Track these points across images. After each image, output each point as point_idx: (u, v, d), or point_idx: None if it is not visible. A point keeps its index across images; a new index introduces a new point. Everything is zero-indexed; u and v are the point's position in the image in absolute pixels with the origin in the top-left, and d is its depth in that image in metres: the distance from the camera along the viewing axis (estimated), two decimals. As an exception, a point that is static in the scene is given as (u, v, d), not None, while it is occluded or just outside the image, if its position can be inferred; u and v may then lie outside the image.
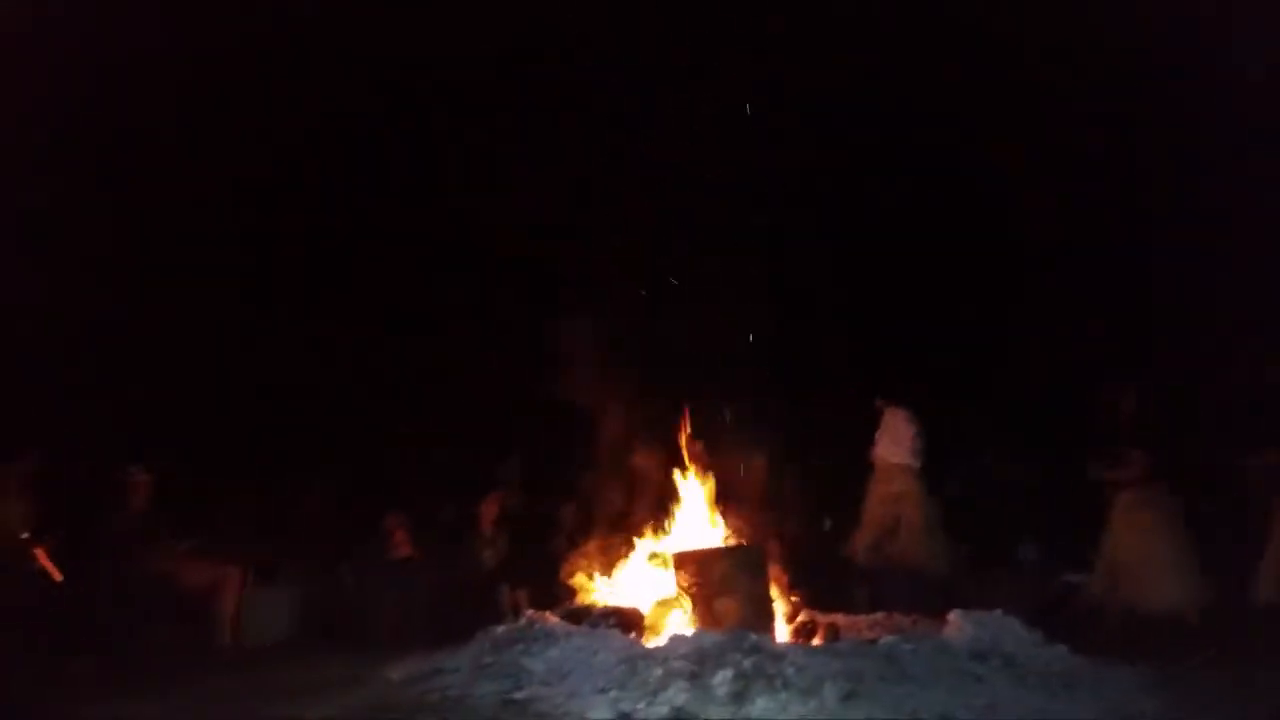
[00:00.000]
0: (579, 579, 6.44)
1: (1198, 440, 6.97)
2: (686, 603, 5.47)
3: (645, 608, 5.64)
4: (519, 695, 4.40)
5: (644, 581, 6.03)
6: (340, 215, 11.07)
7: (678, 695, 4.03)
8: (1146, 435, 6.62)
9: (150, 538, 7.25)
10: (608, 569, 6.36)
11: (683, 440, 7.41)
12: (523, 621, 5.38)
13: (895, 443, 7.37)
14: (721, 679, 4.11)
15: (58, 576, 6.63)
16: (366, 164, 10.99)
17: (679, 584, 5.56)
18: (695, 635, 4.68)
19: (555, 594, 6.69)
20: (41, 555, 6.68)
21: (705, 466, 6.98)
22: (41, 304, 8.61)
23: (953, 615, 5.28)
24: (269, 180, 10.37)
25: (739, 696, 4.01)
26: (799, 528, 7.80)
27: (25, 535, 6.68)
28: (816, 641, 5.36)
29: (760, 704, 3.95)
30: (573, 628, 5.12)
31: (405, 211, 11.12)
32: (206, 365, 10.08)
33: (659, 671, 4.24)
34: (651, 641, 5.03)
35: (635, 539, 6.38)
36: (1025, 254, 10.43)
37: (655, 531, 6.38)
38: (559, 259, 10.62)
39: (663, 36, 9.91)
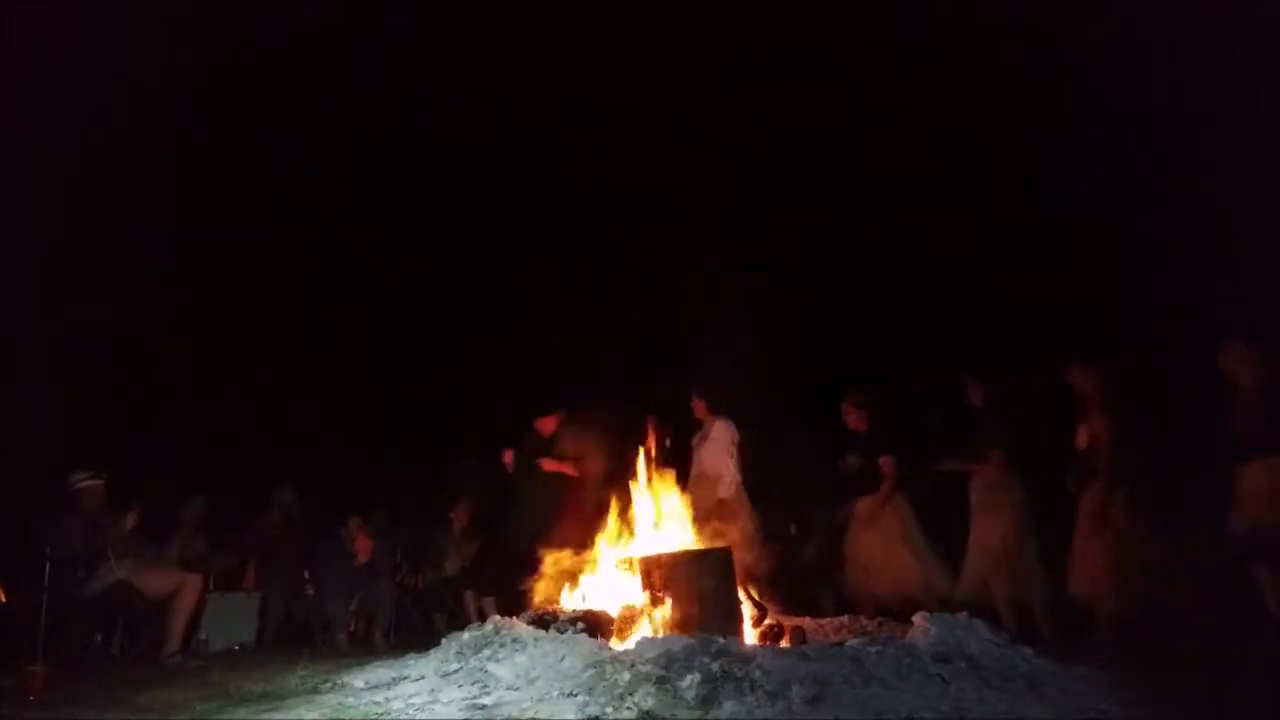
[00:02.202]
0: (545, 584, 6.40)
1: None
2: (654, 606, 5.46)
3: (612, 612, 5.61)
4: (485, 701, 4.36)
5: (611, 586, 6.00)
6: (300, 226, 11.03)
7: (646, 698, 4.01)
8: (888, 444, 7.45)
9: (106, 544, 7.12)
10: (574, 574, 6.33)
11: (649, 443, 7.40)
12: (489, 626, 5.34)
13: (730, 455, 7.57)
14: (689, 682, 4.11)
15: (3, 598, 6.49)
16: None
17: (646, 588, 5.55)
18: (663, 639, 4.66)
19: (521, 599, 6.65)
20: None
21: (672, 469, 6.98)
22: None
23: (917, 618, 5.31)
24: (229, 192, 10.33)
25: (707, 699, 4.01)
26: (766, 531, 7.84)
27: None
28: (783, 644, 5.36)
29: (728, 706, 3.94)
30: (540, 632, 5.08)
31: (371, 219, 11.11)
32: (162, 371, 9.97)
33: (627, 675, 4.22)
34: (619, 645, 5.00)
35: (602, 543, 6.35)
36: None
37: (622, 535, 6.36)
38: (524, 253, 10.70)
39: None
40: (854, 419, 7.57)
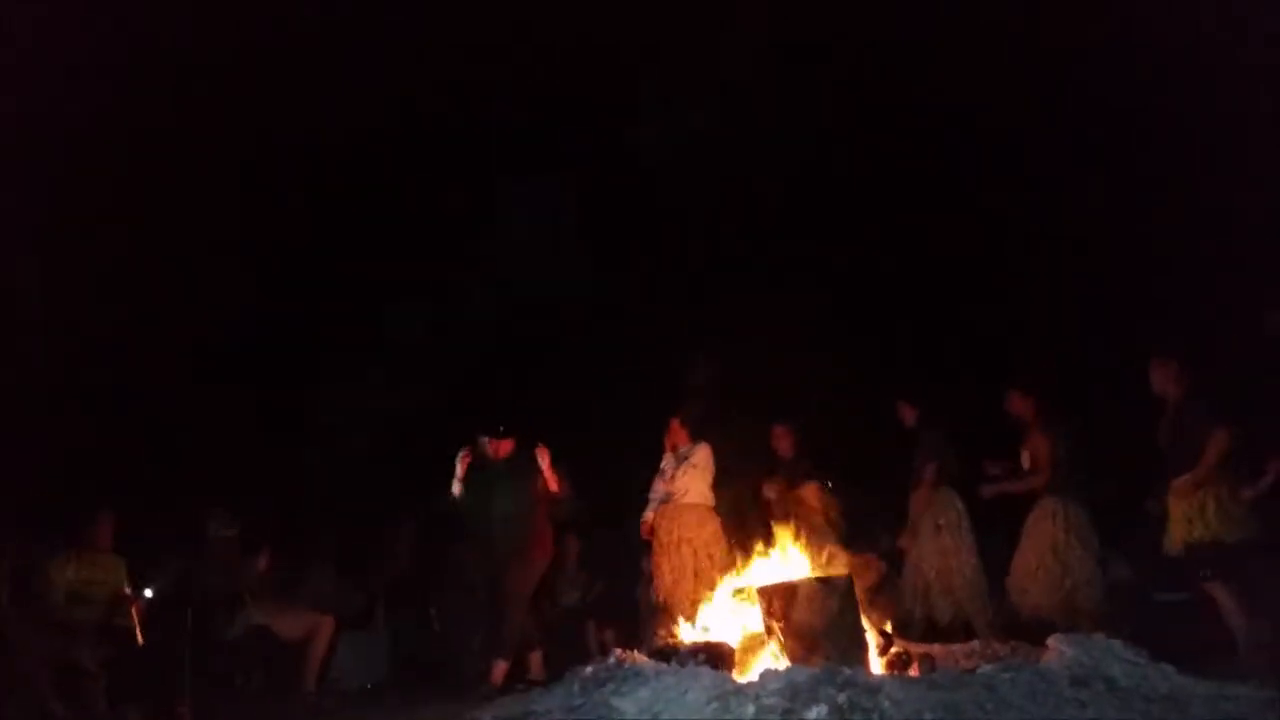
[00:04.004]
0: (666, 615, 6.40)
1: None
2: (776, 637, 5.40)
3: (734, 643, 5.57)
4: (611, 736, 4.38)
5: (731, 616, 5.96)
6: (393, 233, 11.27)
7: (772, 732, 3.97)
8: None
9: (243, 589, 7.41)
10: (694, 605, 6.31)
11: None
12: (611, 661, 5.36)
13: (705, 483, 7.27)
14: (816, 714, 4.04)
15: (140, 640, 6.78)
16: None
17: (766, 618, 5.49)
18: (787, 670, 4.60)
19: (642, 631, 6.65)
20: (136, 612, 6.86)
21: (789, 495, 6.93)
22: (118, 360, 8.91)
23: (1051, 640, 5.14)
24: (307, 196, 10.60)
25: (835, 732, 3.95)
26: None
27: (127, 591, 6.88)
28: (912, 673, 5.24)
29: (857, 739, 3.88)
30: (662, 666, 5.07)
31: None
32: (287, 414, 10.30)
33: (751, 708, 4.18)
34: (742, 678, 4.96)
35: (720, 573, 6.32)
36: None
37: (740, 564, 6.31)
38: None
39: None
40: (784, 444, 7.50)
